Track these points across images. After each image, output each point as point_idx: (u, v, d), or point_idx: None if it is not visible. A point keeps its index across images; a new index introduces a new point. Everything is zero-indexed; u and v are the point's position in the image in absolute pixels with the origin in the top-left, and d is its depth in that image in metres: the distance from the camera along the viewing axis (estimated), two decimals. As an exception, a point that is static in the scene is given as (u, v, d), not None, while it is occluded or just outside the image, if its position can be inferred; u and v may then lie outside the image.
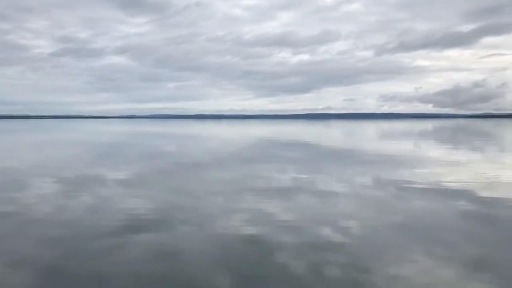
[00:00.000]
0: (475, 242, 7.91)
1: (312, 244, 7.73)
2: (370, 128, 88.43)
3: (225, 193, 12.68)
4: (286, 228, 8.83)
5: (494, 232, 8.60)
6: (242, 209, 10.65)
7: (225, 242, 7.87)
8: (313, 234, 8.37)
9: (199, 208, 10.74)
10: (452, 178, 15.57)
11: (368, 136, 54.55)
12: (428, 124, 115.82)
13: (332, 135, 59.77)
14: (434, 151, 30.02)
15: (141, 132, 70.25)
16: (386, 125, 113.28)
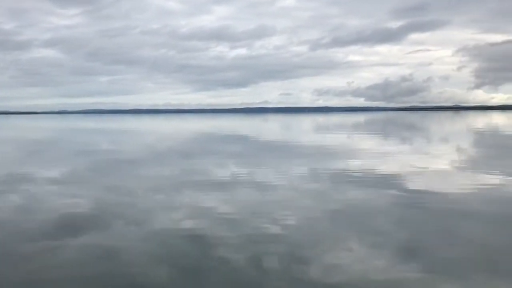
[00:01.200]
0: (406, 228, 8.33)
1: (251, 237, 7.80)
2: (306, 121, 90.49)
3: (164, 189, 12.49)
4: (226, 221, 8.85)
5: (422, 218, 9.10)
6: (181, 204, 10.54)
7: (165, 239, 7.76)
8: (252, 227, 8.46)
9: (137, 205, 10.50)
10: (384, 168, 16.30)
11: (304, 129, 55.80)
12: (360, 117, 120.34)
13: (269, 129, 60.53)
14: (367, 142, 31.27)
15: (73, 128, 67.41)
16: (321, 118, 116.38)
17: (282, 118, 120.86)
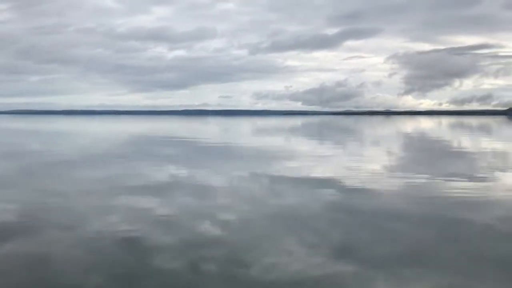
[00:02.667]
0: (341, 228, 8.62)
1: (190, 241, 7.73)
2: (246, 124, 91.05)
3: (99, 193, 12.07)
4: (163, 225, 8.70)
5: (356, 218, 9.44)
6: (117, 208, 10.23)
7: (99, 245, 7.50)
8: (191, 231, 8.38)
9: (69, 209, 10.06)
10: (320, 170, 16.75)
11: (243, 132, 56.12)
12: (298, 121, 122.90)
13: (209, 131, 60.30)
14: (304, 145, 32.01)
15: (1, 128, 63.50)
16: (260, 121, 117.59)
17: (222, 121, 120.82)
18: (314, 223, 8.93)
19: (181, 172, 16.58)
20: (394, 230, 8.53)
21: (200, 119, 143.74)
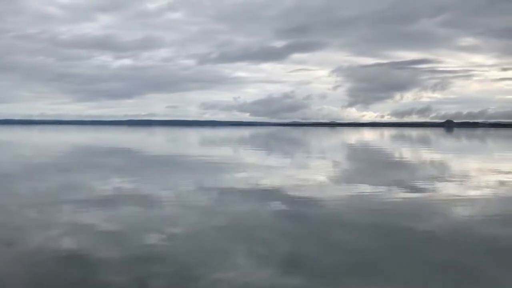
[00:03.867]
0: (288, 239, 8.69)
1: (136, 255, 7.52)
2: (193, 135, 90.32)
3: (39, 206, 11.49)
4: (108, 240, 8.42)
5: (304, 228, 9.57)
6: (59, 222, 9.79)
7: (40, 261, 7.13)
8: (137, 245, 8.16)
9: (8, 224, 9.52)
10: (267, 181, 16.86)
11: (191, 143, 55.61)
12: (246, 131, 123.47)
13: (155, 142, 59.26)
14: (252, 156, 32.14)
15: None
16: (208, 132, 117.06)
17: (169, 131, 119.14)
18: (262, 234, 8.96)
19: (126, 184, 16.14)
20: (340, 239, 8.71)
21: (146, 129, 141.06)
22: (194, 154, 33.96)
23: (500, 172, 20.95)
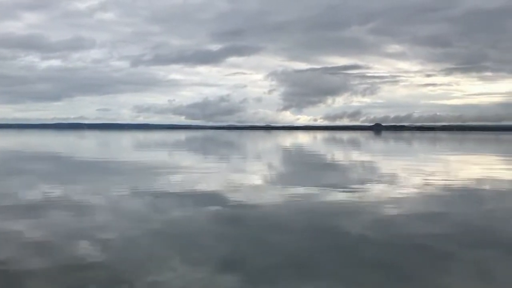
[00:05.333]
0: (225, 242, 8.68)
1: (67, 264, 7.18)
2: (126, 138, 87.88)
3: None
4: (36, 249, 7.97)
5: (240, 231, 9.61)
6: (-22, 233, 9.13)
7: (-43, 275, 6.61)
8: (68, 254, 7.79)
9: None
10: (204, 185, 16.76)
11: (124, 147, 54.09)
12: (181, 135, 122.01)
13: (86, 146, 57.03)
14: (187, 160, 31.81)
15: None
16: (141, 135, 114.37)
17: (100, 135, 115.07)
18: (198, 238, 8.89)
19: (54, 190, 15.35)
20: (276, 240, 8.83)
21: (76, 133, 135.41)
22: (127, 158, 33.06)
23: (425, 173, 22.21)
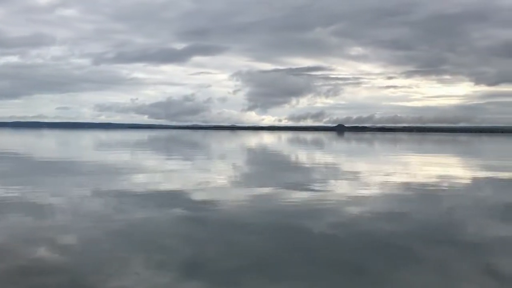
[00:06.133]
0: (189, 243, 8.59)
1: (23, 270, 6.92)
2: (87, 138, 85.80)
3: None
4: (-10, 254, 7.65)
5: (204, 232, 9.53)
6: None
7: None
8: (24, 257, 7.50)
9: None
10: (167, 185, 16.55)
11: (84, 146, 52.79)
12: (144, 134, 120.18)
13: (45, 145, 55.32)
14: (150, 160, 31.34)
15: None
16: (103, 135, 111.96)
17: (60, 134, 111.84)
18: (161, 240, 8.76)
19: (11, 191, 14.77)
20: (240, 241, 8.81)
21: (35, 132, 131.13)
22: (88, 158, 32.27)
23: (386, 172, 22.72)
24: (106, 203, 12.76)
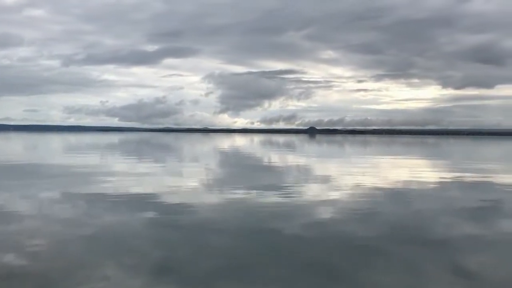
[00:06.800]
0: (162, 247, 8.52)
1: (-11, 275, 6.73)
2: (55, 140, 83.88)
3: None
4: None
5: (177, 235, 9.47)
6: None
7: None
8: (-10, 263, 7.30)
9: None
10: (138, 189, 16.36)
11: (53, 149, 51.61)
12: (115, 137, 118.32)
13: (11, 148, 53.79)
14: (121, 163, 30.88)
15: None
16: (72, 137, 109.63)
17: (27, 137, 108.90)
18: (133, 243, 8.66)
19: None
20: (214, 244, 8.79)
21: (1, 135, 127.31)
22: (57, 161, 31.57)
23: (356, 174, 23.07)
24: (75, 207, 12.52)
